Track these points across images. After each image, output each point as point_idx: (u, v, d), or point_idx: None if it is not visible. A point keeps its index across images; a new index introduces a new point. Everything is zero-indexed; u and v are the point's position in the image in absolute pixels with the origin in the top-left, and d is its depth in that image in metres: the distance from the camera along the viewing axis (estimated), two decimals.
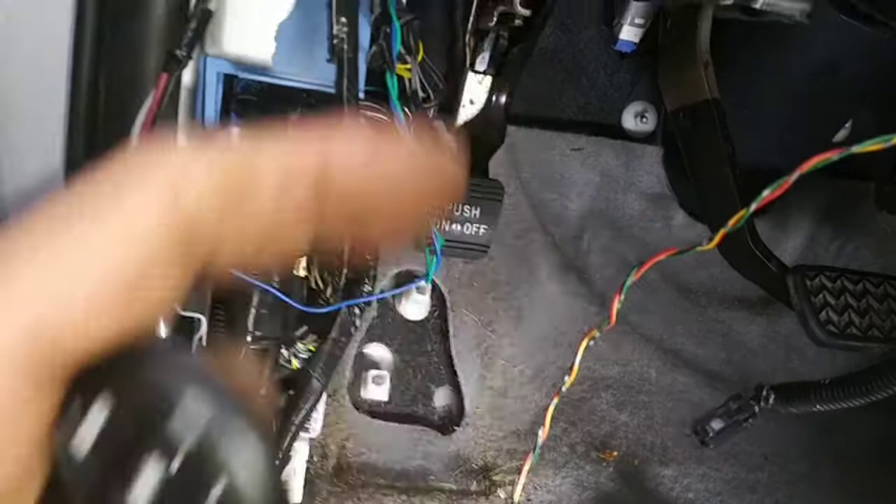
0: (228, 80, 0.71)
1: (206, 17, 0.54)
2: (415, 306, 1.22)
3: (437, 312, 1.24)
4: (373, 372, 1.18)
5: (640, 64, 1.40)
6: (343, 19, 0.65)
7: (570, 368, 0.73)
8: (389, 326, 1.22)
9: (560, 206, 1.35)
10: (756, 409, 1.00)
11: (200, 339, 0.68)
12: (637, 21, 1.26)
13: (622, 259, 1.38)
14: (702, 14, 1.10)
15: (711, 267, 1.42)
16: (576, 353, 0.74)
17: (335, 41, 0.66)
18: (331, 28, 0.67)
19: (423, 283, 1.02)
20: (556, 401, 0.75)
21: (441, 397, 1.24)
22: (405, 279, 1.20)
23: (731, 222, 0.69)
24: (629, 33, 1.27)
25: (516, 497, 0.79)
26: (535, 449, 0.77)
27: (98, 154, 0.57)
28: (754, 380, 1.08)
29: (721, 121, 1.09)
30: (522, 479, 0.78)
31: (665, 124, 1.40)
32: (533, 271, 1.30)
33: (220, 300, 0.74)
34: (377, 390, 1.18)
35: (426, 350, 1.23)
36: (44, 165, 0.60)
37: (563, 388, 0.74)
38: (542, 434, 0.76)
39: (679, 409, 1.31)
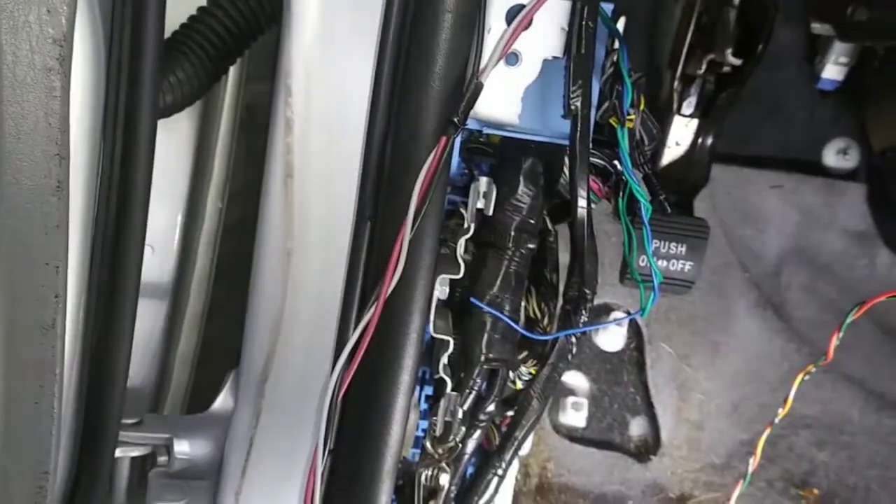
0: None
1: (478, 89, 0.64)
2: (612, 338, 1.28)
3: (633, 344, 1.29)
4: (571, 398, 1.25)
5: (841, 101, 1.39)
6: (579, 81, 0.73)
7: (785, 401, 0.77)
8: (587, 356, 1.28)
9: (758, 242, 1.36)
10: None
11: (449, 358, 0.78)
12: (841, 60, 1.26)
13: (824, 298, 1.37)
14: None
15: None
16: (791, 386, 0.77)
17: (571, 101, 0.74)
18: (567, 89, 0.75)
19: (636, 315, 1.08)
20: (769, 431, 0.79)
21: (637, 427, 1.28)
22: (602, 311, 1.26)
23: None
24: (832, 72, 1.27)
25: None
26: (746, 476, 0.81)
27: (383, 205, 0.69)
28: None
29: None
30: (733, 501, 0.81)
31: (870, 161, 1.38)
32: (730, 307, 1.32)
33: (459, 325, 0.83)
34: (576, 416, 1.24)
35: (622, 380, 1.28)
36: (337, 210, 0.72)
37: (777, 420, 0.77)
38: (754, 462, 0.80)
39: (884, 452, 1.28)
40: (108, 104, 0.61)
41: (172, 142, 0.73)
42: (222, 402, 0.87)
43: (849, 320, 0.71)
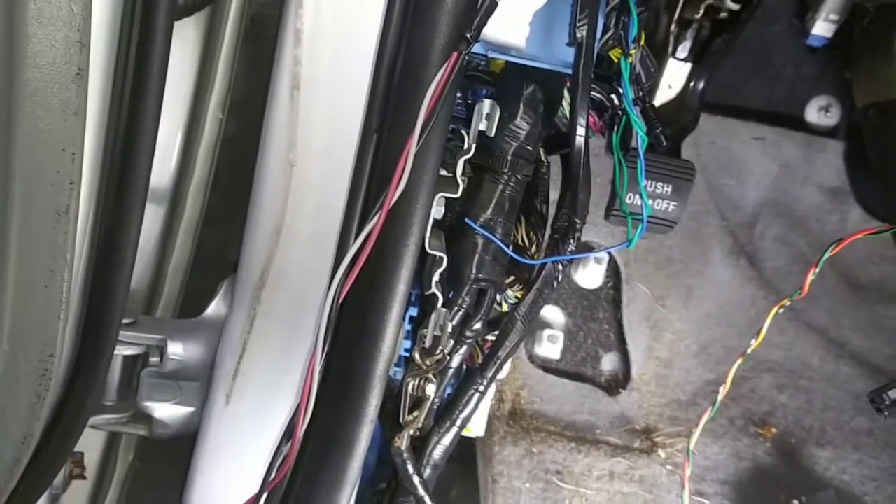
0: None
1: (492, 7, 0.65)
2: (591, 275, 1.32)
3: (610, 283, 1.33)
4: (548, 331, 1.29)
5: (828, 58, 1.42)
6: (586, 10, 0.75)
7: (758, 333, 0.81)
8: (565, 292, 1.32)
9: (737, 192, 1.40)
10: None
11: (441, 276, 0.80)
12: (832, 17, 1.28)
13: (795, 249, 1.42)
14: None
15: (884, 264, 1.43)
16: (760, 327, 0.81)
17: (577, 29, 0.75)
18: (574, 17, 0.76)
19: (623, 246, 1.11)
20: (740, 361, 0.83)
21: (609, 362, 1.33)
22: (582, 248, 1.30)
23: None
24: (822, 28, 1.29)
25: (692, 445, 0.87)
26: (714, 405, 0.85)
27: (390, 119, 0.70)
28: None
29: None
30: (699, 431, 0.86)
31: (850, 119, 1.42)
32: (706, 253, 1.36)
33: (450, 245, 0.86)
34: (551, 348, 1.28)
35: (598, 317, 1.33)
36: (343, 123, 0.73)
37: (749, 351, 0.81)
38: (724, 391, 0.84)
39: (839, 397, 1.35)
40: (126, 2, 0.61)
41: (177, 50, 0.73)
42: (216, 307, 0.89)
43: (826, 256, 0.75)
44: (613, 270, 1.32)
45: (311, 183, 0.79)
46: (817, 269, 0.75)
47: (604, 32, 0.81)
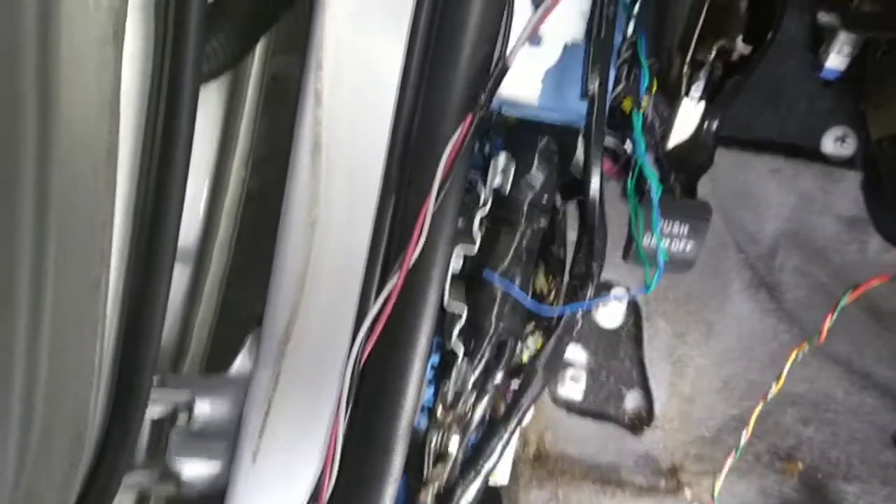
0: None
1: (505, 70, 0.67)
2: (611, 314, 1.32)
3: (631, 321, 1.33)
4: (570, 371, 1.29)
5: (842, 90, 1.42)
6: (598, 64, 0.77)
7: (778, 377, 0.81)
8: (586, 331, 1.32)
9: (755, 225, 1.40)
10: None
11: (462, 329, 0.81)
12: (845, 50, 1.29)
13: (815, 280, 1.41)
14: None
15: None
16: (781, 363, 0.81)
17: (589, 85, 0.77)
18: (586, 71, 0.78)
19: (640, 292, 1.12)
20: (762, 404, 0.83)
21: (632, 400, 1.32)
22: (602, 289, 1.30)
23: None
24: (836, 61, 1.30)
25: (717, 489, 0.87)
26: (738, 448, 0.85)
27: (408, 178, 0.72)
28: None
29: None
30: (724, 472, 0.86)
31: (867, 149, 1.42)
32: (725, 287, 1.36)
33: (469, 295, 0.87)
34: (573, 388, 1.28)
35: (619, 355, 1.33)
36: (363, 182, 0.75)
37: (770, 396, 0.81)
38: (746, 435, 0.84)
39: (865, 430, 1.34)
40: (153, 72, 0.63)
41: (201, 112, 0.76)
42: (242, 362, 0.90)
43: (843, 303, 0.75)
44: (633, 308, 1.33)
45: (334, 240, 0.81)
46: (834, 316, 0.75)
47: (615, 84, 0.83)
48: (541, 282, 0.98)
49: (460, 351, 0.83)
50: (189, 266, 0.94)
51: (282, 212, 0.84)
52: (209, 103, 0.89)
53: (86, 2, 0.56)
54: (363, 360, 0.71)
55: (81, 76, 0.56)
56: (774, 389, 0.81)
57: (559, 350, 0.92)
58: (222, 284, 0.96)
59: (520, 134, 0.88)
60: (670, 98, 1.19)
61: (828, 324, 0.77)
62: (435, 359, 0.93)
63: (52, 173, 0.58)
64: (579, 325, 0.91)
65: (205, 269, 0.94)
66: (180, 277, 0.94)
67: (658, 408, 1.29)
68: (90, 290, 0.60)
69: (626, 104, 0.86)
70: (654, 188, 0.83)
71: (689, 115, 1.15)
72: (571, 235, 0.98)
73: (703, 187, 1.36)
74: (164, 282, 0.66)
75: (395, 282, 0.69)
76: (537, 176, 0.86)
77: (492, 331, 0.87)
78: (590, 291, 0.90)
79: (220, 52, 0.76)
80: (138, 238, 0.68)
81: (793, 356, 0.80)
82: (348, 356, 0.72)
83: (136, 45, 0.62)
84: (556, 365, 0.93)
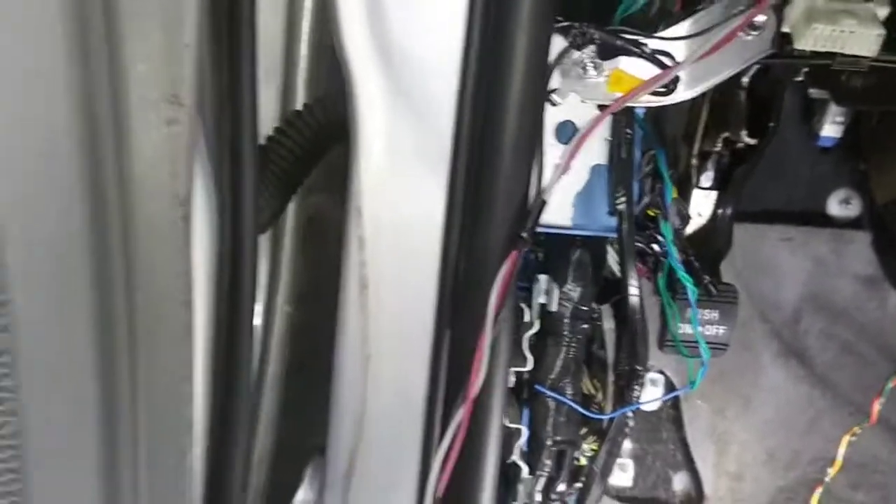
0: None
1: (542, 205, 0.71)
2: (649, 398, 1.34)
3: (670, 403, 1.35)
4: (617, 460, 1.30)
5: (840, 154, 1.47)
6: (623, 182, 0.81)
7: (833, 461, 0.83)
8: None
9: (775, 294, 1.43)
10: None
11: (521, 448, 0.84)
12: (838, 119, 1.34)
13: (840, 341, 1.44)
14: None
15: None
16: (838, 447, 0.83)
17: (617, 201, 0.81)
18: (612, 190, 0.82)
19: (686, 390, 1.14)
20: (820, 490, 0.85)
21: (680, 482, 1.33)
22: None
23: None
24: (830, 130, 1.35)
25: None
26: None
27: (461, 313, 0.75)
28: None
29: None
30: None
31: (872, 208, 1.46)
32: (756, 359, 1.38)
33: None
34: (622, 476, 1.29)
35: (662, 438, 1.34)
36: (413, 319, 0.79)
37: (828, 479, 0.83)
38: None
39: None
40: (217, 246, 0.67)
41: None
42: (304, 495, 0.92)
43: (889, 385, 0.78)
44: (670, 390, 1.34)
45: (388, 374, 0.84)
46: (882, 399, 0.77)
47: (640, 198, 0.87)
48: (587, 383, 1.01)
49: (524, 467, 0.86)
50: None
51: (335, 346, 0.87)
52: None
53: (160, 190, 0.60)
54: (443, 493, 0.73)
55: (155, 250, 0.60)
56: (832, 472, 0.83)
57: (614, 451, 0.94)
58: (277, 419, 0.98)
59: (551, 249, 0.93)
60: (681, 187, 1.24)
61: (877, 407, 0.79)
62: None
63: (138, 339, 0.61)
64: (630, 424, 0.94)
65: (260, 405, 0.97)
66: None
67: (707, 487, 1.30)
68: (178, 460, 0.63)
69: (651, 212, 0.90)
70: (691, 292, 0.86)
71: (702, 204, 1.20)
72: (607, 324, 1.02)
73: (723, 262, 1.40)
74: (242, 444, 0.68)
75: (462, 413, 0.72)
76: (575, 288, 0.89)
77: (549, 442, 0.89)
78: (637, 392, 0.92)
79: (268, 210, 0.81)
80: (214, 390, 0.71)
81: (845, 440, 0.82)
82: (420, 489, 0.74)
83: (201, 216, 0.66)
84: (612, 466, 0.95)
